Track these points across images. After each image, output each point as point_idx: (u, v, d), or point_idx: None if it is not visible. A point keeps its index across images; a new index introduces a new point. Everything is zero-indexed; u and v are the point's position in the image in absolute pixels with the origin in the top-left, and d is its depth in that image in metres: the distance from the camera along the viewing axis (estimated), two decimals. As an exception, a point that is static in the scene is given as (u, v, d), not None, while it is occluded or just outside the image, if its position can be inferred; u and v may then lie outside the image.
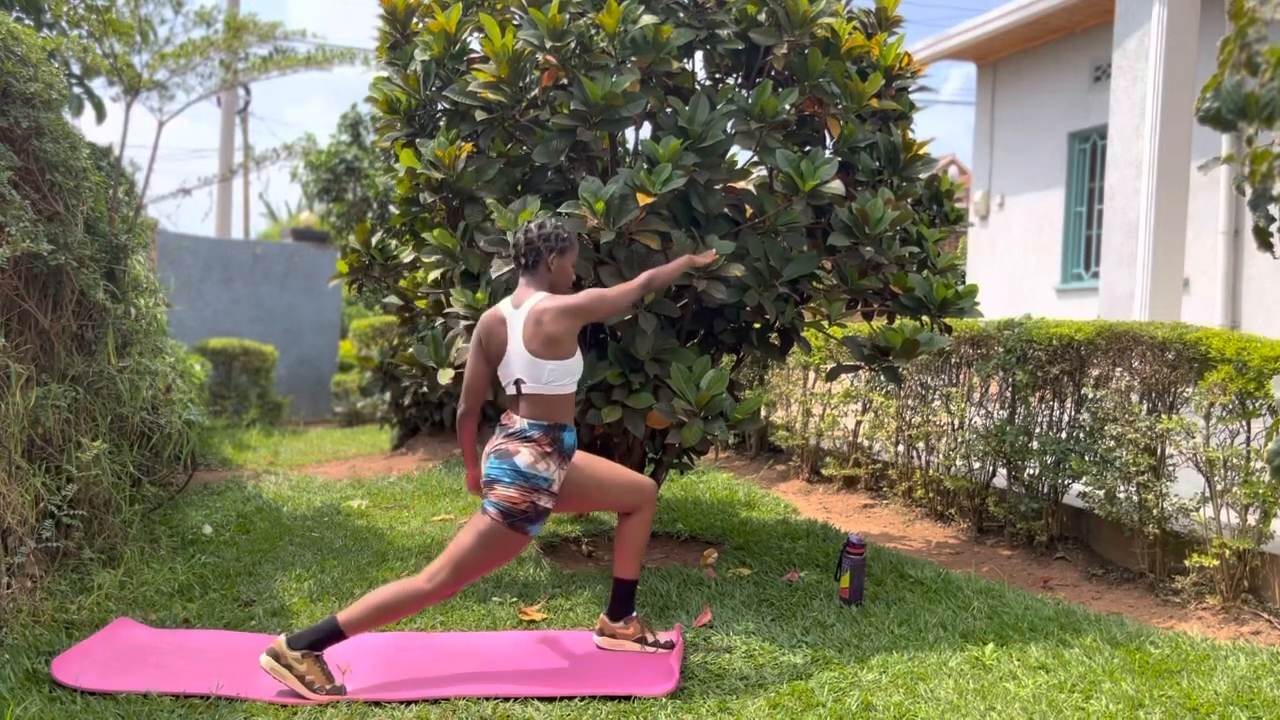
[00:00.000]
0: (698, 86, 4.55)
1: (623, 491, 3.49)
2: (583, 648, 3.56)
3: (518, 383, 3.32)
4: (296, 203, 28.72)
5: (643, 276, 3.43)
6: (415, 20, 4.86)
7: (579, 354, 3.37)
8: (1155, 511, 4.43)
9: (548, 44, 4.10)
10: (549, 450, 3.29)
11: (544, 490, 3.27)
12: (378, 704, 3.06)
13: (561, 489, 3.38)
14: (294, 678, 3.12)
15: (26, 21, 6.39)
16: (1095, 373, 4.92)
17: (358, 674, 3.27)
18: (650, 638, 3.52)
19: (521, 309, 3.34)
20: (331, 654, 3.45)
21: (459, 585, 3.27)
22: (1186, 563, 4.26)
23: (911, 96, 4.85)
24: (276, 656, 3.15)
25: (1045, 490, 5.18)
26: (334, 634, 3.19)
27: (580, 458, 3.46)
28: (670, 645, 3.51)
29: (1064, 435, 5.09)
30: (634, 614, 3.56)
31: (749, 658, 3.49)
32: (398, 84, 4.60)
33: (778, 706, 3.07)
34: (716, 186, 4.26)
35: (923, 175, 4.67)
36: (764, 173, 4.50)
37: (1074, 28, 9.99)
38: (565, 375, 3.32)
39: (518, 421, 3.31)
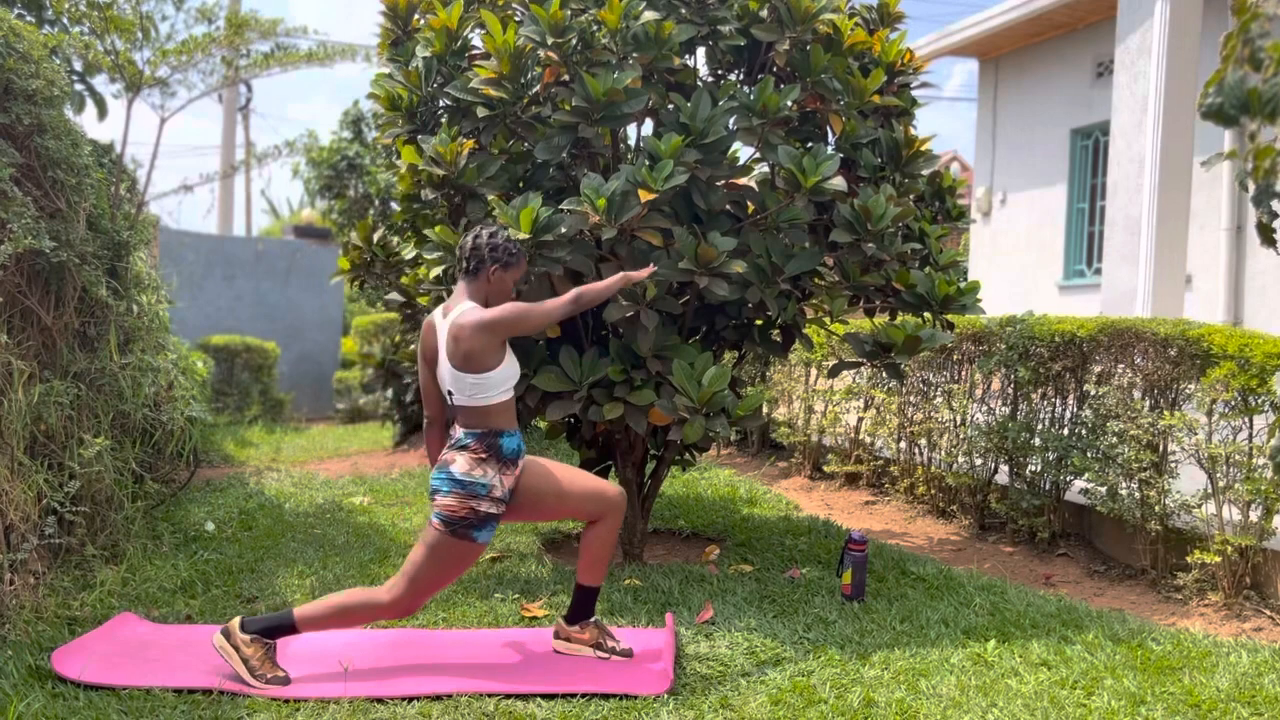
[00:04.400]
0: (700, 83, 4.54)
1: (584, 500, 3.40)
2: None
3: (449, 393, 3.30)
4: (298, 199, 28.72)
5: (572, 292, 3.32)
6: (417, 17, 4.85)
7: (507, 361, 3.27)
8: (1157, 508, 4.43)
9: (549, 40, 4.10)
10: (484, 456, 3.24)
11: (483, 496, 3.22)
12: (380, 700, 3.06)
13: (517, 497, 3.35)
14: (239, 659, 3.16)
15: (28, 18, 6.39)
16: (1097, 369, 4.92)
17: (359, 670, 3.28)
18: (608, 644, 3.46)
19: (448, 318, 3.29)
20: (333, 650, 3.45)
21: (418, 600, 3.26)
22: (1189, 559, 4.26)
23: (913, 93, 4.84)
24: (227, 635, 3.21)
25: (1047, 487, 5.18)
26: (288, 627, 3.23)
27: (536, 465, 3.40)
28: (628, 653, 3.45)
29: (1066, 432, 5.09)
30: (592, 619, 3.50)
31: (751, 654, 3.49)
32: (399, 81, 4.60)
33: (779, 703, 3.07)
34: (718, 183, 4.25)
35: (925, 172, 4.67)
36: (766, 169, 4.50)
37: (1076, 24, 9.97)
38: (491, 389, 3.24)
39: (456, 431, 3.30)
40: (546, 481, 3.39)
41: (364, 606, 3.24)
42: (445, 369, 3.27)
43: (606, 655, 3.45)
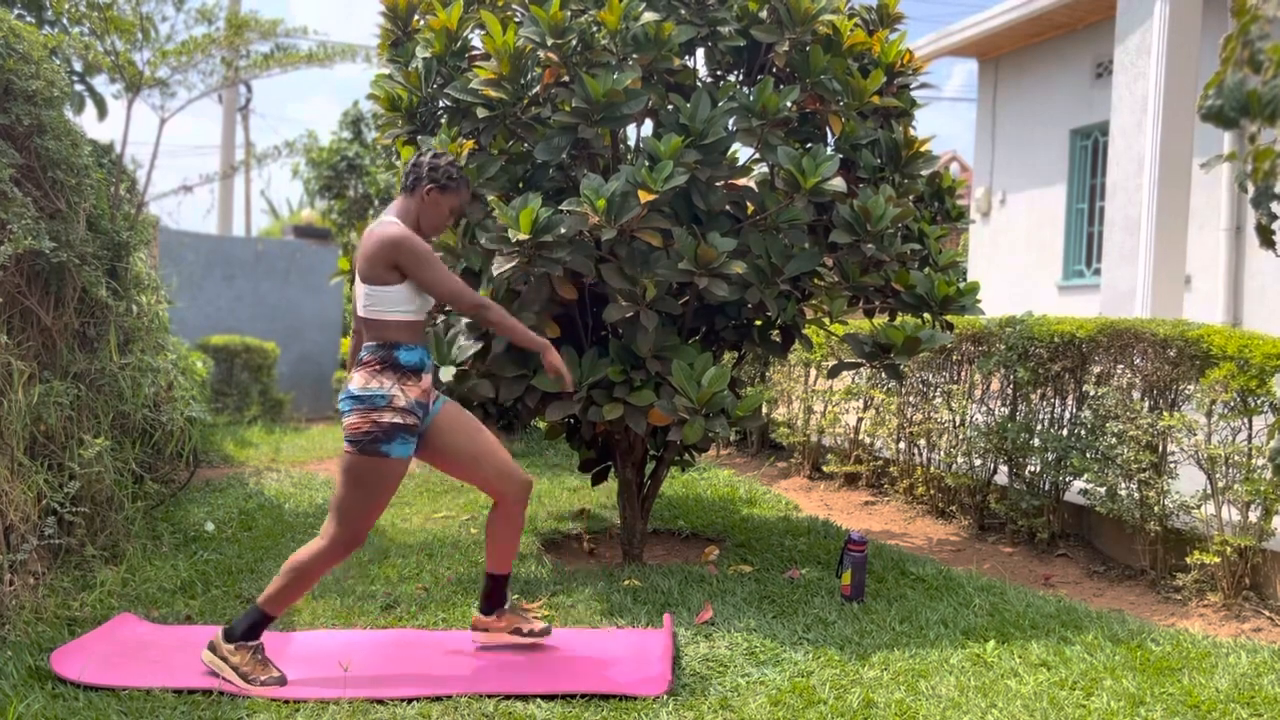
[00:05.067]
0: (699, 83, 4.55)
1: (495, 473, 3.36)
2: (583, 646, 3.56)
3: (357, 305, 3.30)
4: (298, 200, 28.71)
5: (485, 300, 3.25)
6: (416, 18, 4.85)
7: (403, 288, 3.22)
8: (1157, 509, 4.43)
9: (549, 41, 4.10)
10: (378, 368, 3.20)
11: (383, 408, 3.16)
12: (379, 701, 3.06)
13: (433, 431, 3.31)
14: (229, 669, 3.16)
15: (28, 19, 6.39)
16: (1097, 370, 4.92)
17: (358, 671, 3.28)
18: (525, 628, 3.48)
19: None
20: (333, 651, 3.46)
21: (355, 529, 3.21)
22: (1188, 560, 4.26)
23: (913, 93, 4.85)
24: (214, 649, 3.20)
25: (1046, 487, 5.18)
26: (260, 618, 3.22)
27: (465, 417, 3.37)
28: (546, 632, 3.47)
29: (1065, 432, 5.09)
30: (506, 606, 3.52)
31: (750, 654, 3.49)
32: (399, 81, 4.60)
33: (779, 704, 3.07)
34: (718, 184, 4.26)
35: (924, 172, 4.67)
36: (765, 170, 4.50)
37: (1076, 24, 9.98)
38: (387, 304, 3.21)
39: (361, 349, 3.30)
40: (469, 437, 3.35)
41: (311, 558, 3.21)
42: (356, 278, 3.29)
43: (525, 638, 3.47)
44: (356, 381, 3.19)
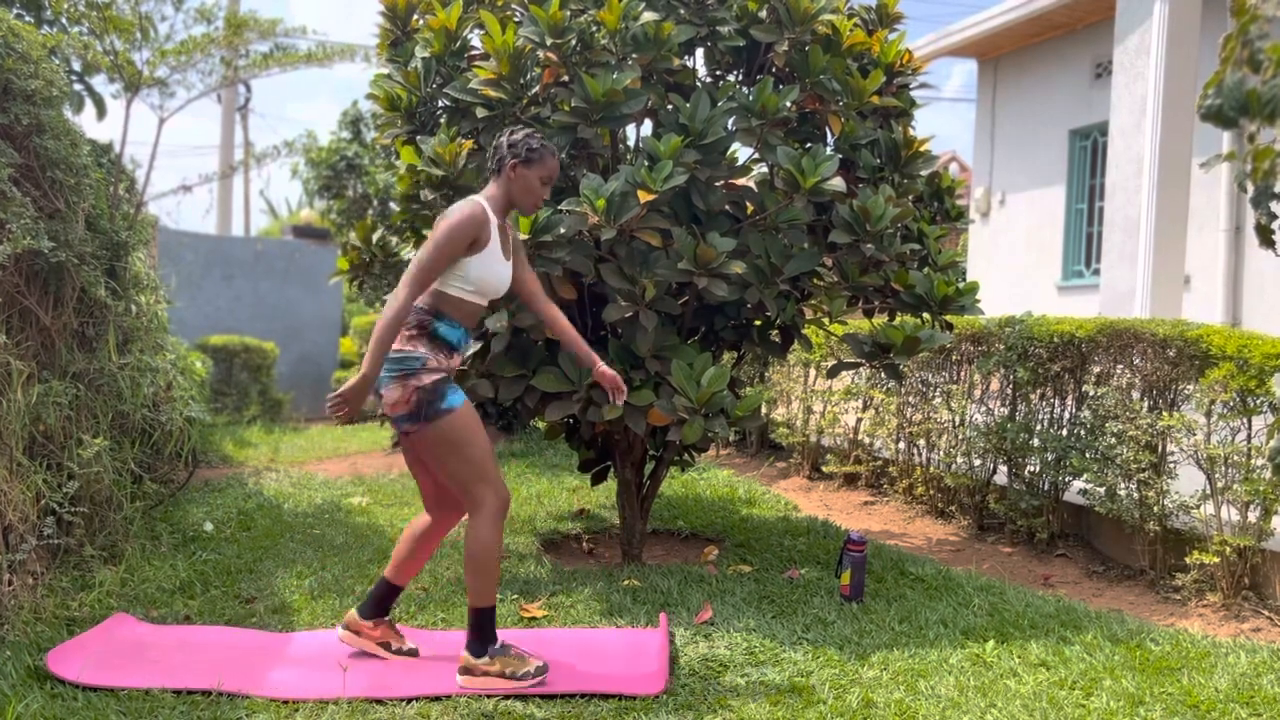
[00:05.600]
0: (699, 83, 4.55)
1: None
2: (580, 646, 3.56)
3: None
4: (297, 200, 28.72)
5: (393, 309, 3.03)
6: (416, 17, 4.85)
7: (464, 263, 3.15)
8: (1156, 509, 4.44)
9: (548, 41, 4.10)
10: (414, 334, 3.14)
11: (419, 370, 3.09)
12: (379, 701, 3.06)
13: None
14: (496, 679, 3.12)
15: (27, 18, 6.39)
16: (1096, 370, 4.92)
17: (357, 670, 3.28)
18: (394, 644, 3.40)
19: None
20: (332, 650, 3.45)
21: (491, 487, 3.12)
22: (1187, 560, 4.26)
23: (912, 93, 4.85)
24: (469, 672, 3.16)
25: (1046, 487, 5.18)
26: (483, 618, 3.15)
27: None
28: (414, 653, 3.40)
29: (1065, 432, 5.09)
30: (387, 617, 3.43)
31: (749, 654, 3.49)
32: (398, 81, 4.60)
33: (778, 704, 3.07)
34: (717, 183, 4.25)
35: (924, 172, 4.67)
36: (765, 170, 4.50)
37: (1075, 24, 9.98)
38: (449, 279, 3.17)
39: None
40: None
41: (480, 539, 3.11)
42: None
43: (390, 655, 3.39)
44: (394, 345, 3.13)
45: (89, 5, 5.96)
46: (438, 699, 3.08)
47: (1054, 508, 5.13)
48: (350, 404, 3.01)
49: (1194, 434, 4.34)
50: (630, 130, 4.70)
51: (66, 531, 4.27)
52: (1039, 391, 5.25)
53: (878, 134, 4.54)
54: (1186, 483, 4.50)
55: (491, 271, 3.23)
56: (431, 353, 3.15)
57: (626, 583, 4.30)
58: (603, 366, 3.40)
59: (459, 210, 3.14)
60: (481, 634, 3.16)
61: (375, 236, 5.09)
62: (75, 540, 4.30)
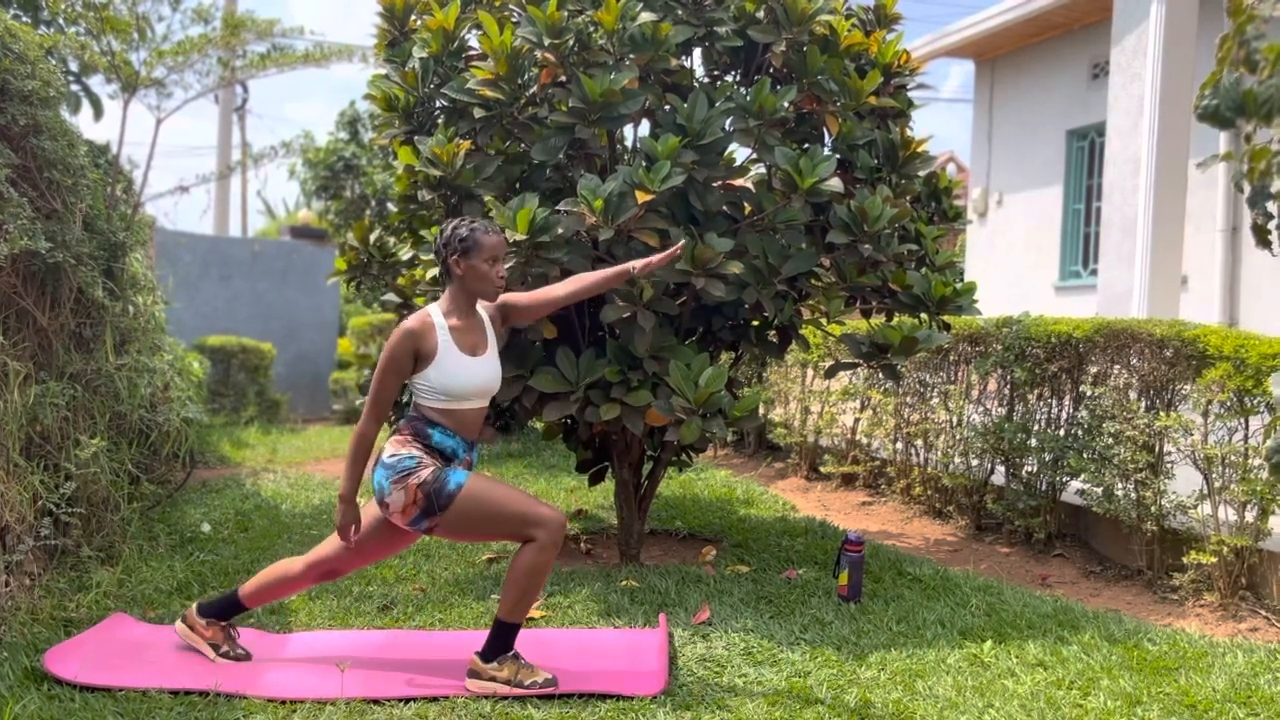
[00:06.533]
0: (696, 84, 4.54)
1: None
2: (578, 647, 3.55)
3: None
4: (295, 200, 28.68)
5: (360, 440, 3.11)
6: (414, 18, 4.85)
7: (430, 371, 3.14)
8: (1153, 509, 4.44)
9: (546, 41, 4.10)
10: (409, 438, 3.15)
11: (414, 469, 3.09)
12: (376, 701, 3.06)
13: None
14: (502, 685, 3.11)
15: (24, 19, 6.39)
16: (1093, 370, 4.92)
17: (355, 671, 3.27)
18: (224, 647, 3.37)
19: None
20: (329, 652, 3.45)
21: (539, 520, 3.09)
22: (1184, 560, 4.26)
23: (910, 94, 4.85)
24: (476, 675, 3.17)
25: (1043, 487, 5.18)
26: (507, 628, 3.16)
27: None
28: (246, 656, 3.36)
29: (1062, 432, 5.09)
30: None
31: (747, 655, 3.49)
32: (396, 81, 4.59)
33: (776, 704, 3.07)
34: (715, 184, 4.25)
35: (921, 173, 4.67)
36: (763, 170, 4.50)
37: (1073, 25, 9.99)
38: (416, 389, 3.19)
39: None
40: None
41: (537, 562, 3.10)
42: None
43: (218, 659, 3.35)
44: (386, 451, 3.15)
45: (86, 5, 5.96)
46: (435, 700, 3.08)
47: (1051, 508, 5.13)
48: (349, 527, 3.18)
49: (1191, 434, 4.34)
50: (628, 131, 4.70)
51: (63, 532, 4.27)
52: (1036, 392, 5.26)
53: (875, 134, 4.54)
54: (1184, 483, 4.50)
55: (455, 376, 3.16)
56: (424, 454, 3.15)
57: (624, 583, 4.29)
58: (641, 261, 3.35)
59: (397, 330, 3.14)
60: (500, 644, 3.17)
61: (373, 237, 5.09)
62: (72, 541, 4.29)
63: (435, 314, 3.21)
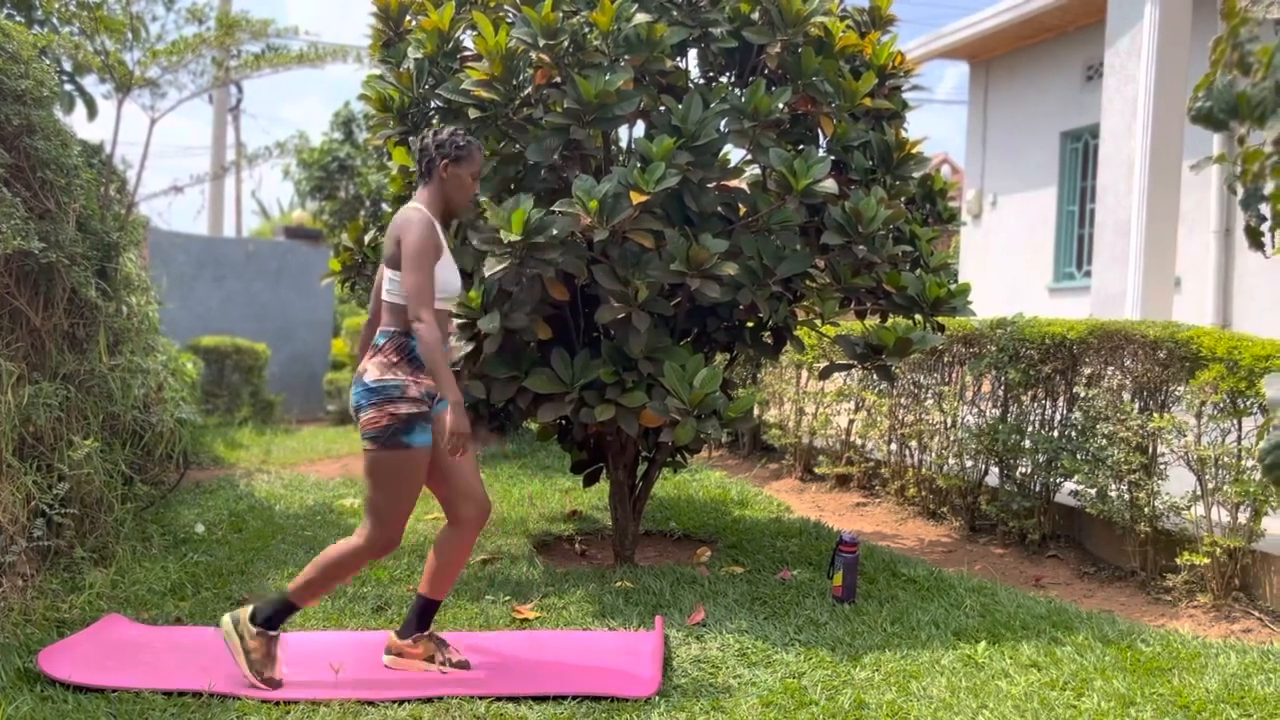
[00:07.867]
0: (691, 85, 4.55)
1: (460, 492, 3.28)
2: (574, 648, 3.55)
3: (381, 290, 3.27)
4: (289, 200, 28.64)
5: (430, 334, 3.04)
6: (408, 18, 4.85)
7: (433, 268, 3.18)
8: (1147, 510, 4.45)
9: (541, 42, 4.09)
10: (394, 360, 3.15)
11: (398, 399, 3.11)
12: (371, 702, 3.06)
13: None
14: (243, 652, 3.17)
15: (17, 18, 6.37)
16: (1087, 371, 4.93)
17: (350, 673, 3.27)
18: (440, 657, 3.33)
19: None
20: (324, 652, 3.44)
21: (391, 529, 3.16)
22: (1178, 561, 4.27)
23: (905, 95, 4.85)
24: (236, 624, 3.21)
25: (1037, 489, 5.19)
26: (285, 607, 3.22)
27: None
28: (465, 664, 3.33)
29: (1056, 434, 5.10)
30: (427, 632, 3.36)
31: (742, 656, 3.49)
32: (391, 82, 4.59)
33: (770, 705, 3.07)
34: (710, 185, 4.26)
35: (916, 174, 4.67)
36: (757, 171, 4.51)
37: (1067, 27, 10.01)
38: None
39: (376, 335, 3.24)
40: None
41: (344, 555, 3.19)
42: (383, 265, 3.27)
43: (442, 669, 3.32)
44: (371, 373, 3.14)
45: (80, 5, 5.94)
46: (429, 701, 3.07)
47: (1045, 509, 5.14)
48: (463, 438, 3.11)
49: (1184, 435, 4.35)
50: (623, 132, 4.70)
51: (56, 533, 4.25)
52: (1030, 393, 5.27)
53: (870, 136, 4.55)
54: (1177, 484, 4.51)
55: (452, 273, 3.27)
56: (411, 377, 3.15)
57: (619, 584, 4.29)
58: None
59: (415, 222, 3.14)
60: (271, 616, 3.21)
61: (367, 238, 5.08)
62: (65, 542, 4.28)
63: (425, 210, 3.22)
